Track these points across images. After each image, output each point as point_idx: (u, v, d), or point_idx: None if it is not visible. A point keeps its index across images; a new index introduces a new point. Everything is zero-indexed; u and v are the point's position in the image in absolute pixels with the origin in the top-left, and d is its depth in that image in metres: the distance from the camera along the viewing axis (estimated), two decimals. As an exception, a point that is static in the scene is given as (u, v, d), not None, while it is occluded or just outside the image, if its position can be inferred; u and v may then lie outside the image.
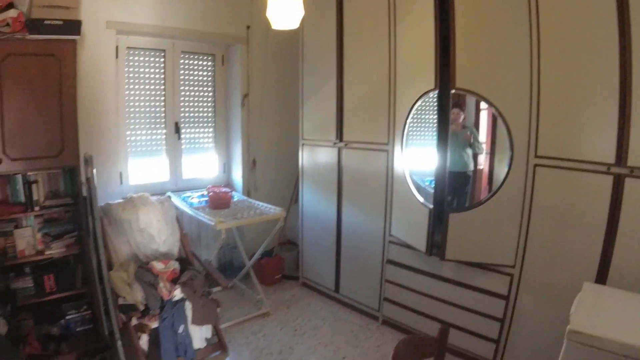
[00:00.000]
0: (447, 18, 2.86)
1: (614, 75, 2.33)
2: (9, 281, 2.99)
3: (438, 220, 3.09)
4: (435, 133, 3.05)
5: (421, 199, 3.21)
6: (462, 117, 3.17)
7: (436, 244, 3.13)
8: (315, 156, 4.05)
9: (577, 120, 2.52)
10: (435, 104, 3.04)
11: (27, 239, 3.05)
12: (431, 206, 3.11)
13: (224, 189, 3.89)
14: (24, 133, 2.87)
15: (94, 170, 2.84)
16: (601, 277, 2.50)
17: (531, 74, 2.64)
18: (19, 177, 3.05)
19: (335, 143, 3.80)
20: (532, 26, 2.60)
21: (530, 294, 2.82)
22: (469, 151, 3.24)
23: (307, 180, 4.16)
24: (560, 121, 2.59)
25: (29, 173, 3.06)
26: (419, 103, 3.16)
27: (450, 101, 2.96)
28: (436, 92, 2.99)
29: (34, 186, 3.06)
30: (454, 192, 3.20)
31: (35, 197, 3.06)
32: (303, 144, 4.13)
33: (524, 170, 2.74)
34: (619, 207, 2.40)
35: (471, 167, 3.27)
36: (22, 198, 3.06)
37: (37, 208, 3.07)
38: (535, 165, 2.70)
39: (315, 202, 4.11)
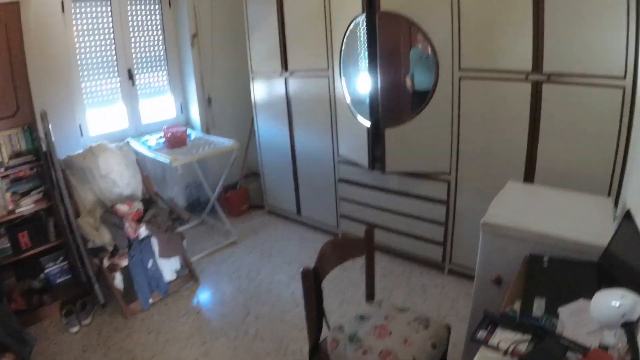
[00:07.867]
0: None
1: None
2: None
3: (376, 136, 3.31)
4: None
5: (361, 118, 3.38)
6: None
7: (377, 159, 3.38)
8: (265, 88, 4.18)
9: (496, 33, 2.66)
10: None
11: (-4, 201, 3.19)
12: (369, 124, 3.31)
13: (180, 128, 3.99)
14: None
15: (50, 125, 2.97)
16: (529, 176, 2.77)
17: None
18: (-20, 142, 3.15)
19: (281, 73, 3.91)
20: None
21: (467, 197, 3.11)
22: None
23: (261, 111, 4.32)
24: (480, 35, 2.72)
25: (-11, 136, 3.16)
26: (351, 27, 3.26)
27: (377, 24, 3.05)
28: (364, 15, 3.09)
29: (-4, 148, 3.17)
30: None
31: (-1, 159, 3.19)
32: (253, 78, 4.23)
33: (450, 82, 2.91)
34: (539, 111, 2.61)
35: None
36: (-14, 161, 3.18)
37: (2, 169, 3.21)
38: (460, 78, 2.87)
39: (270, 132, 4.30)
